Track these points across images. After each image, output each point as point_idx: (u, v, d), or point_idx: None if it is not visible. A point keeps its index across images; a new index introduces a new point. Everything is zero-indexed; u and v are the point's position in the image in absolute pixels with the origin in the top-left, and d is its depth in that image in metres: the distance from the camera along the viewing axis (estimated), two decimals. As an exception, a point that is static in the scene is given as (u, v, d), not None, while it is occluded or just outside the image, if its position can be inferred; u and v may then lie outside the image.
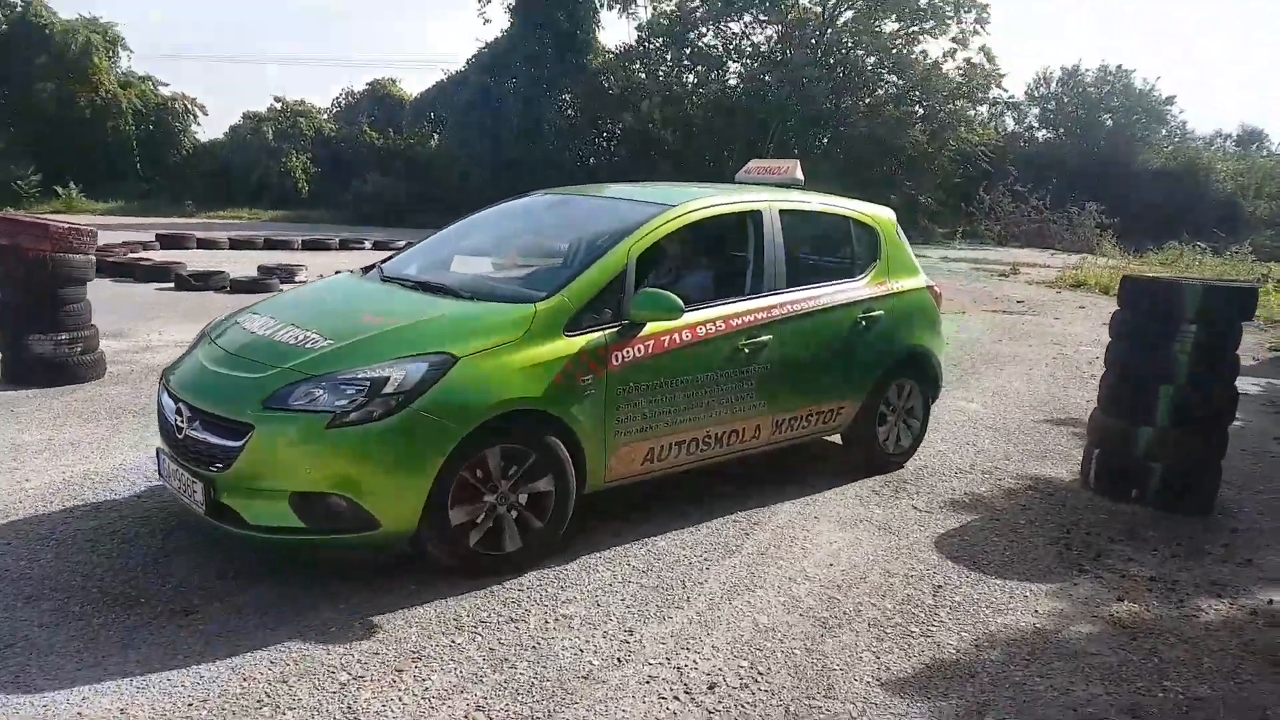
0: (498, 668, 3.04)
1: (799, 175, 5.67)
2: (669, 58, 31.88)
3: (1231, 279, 4.96)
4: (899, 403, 5.29)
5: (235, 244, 17.76)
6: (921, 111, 31.46)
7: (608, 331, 3.88)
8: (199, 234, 17.91)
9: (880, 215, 5.43)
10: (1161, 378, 4.80)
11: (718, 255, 5.08)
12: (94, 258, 6.57)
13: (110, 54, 31.20)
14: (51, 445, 5.07)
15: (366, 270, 4.77)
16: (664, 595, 3.60)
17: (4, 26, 29.21)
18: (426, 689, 2.90)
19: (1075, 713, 2.94)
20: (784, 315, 4.56)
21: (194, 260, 14.44)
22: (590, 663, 3.09)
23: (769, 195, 4.92)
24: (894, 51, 30.75)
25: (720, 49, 31.71)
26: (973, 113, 33.48)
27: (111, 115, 30.33)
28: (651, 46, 31.68)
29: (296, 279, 12.63)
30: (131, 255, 14.00)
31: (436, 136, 32.68)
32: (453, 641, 3.19)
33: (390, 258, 4.97)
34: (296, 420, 3.28)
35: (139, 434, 5.32)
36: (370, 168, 30.26)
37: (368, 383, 3.34)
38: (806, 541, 4.21)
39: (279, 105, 32.50)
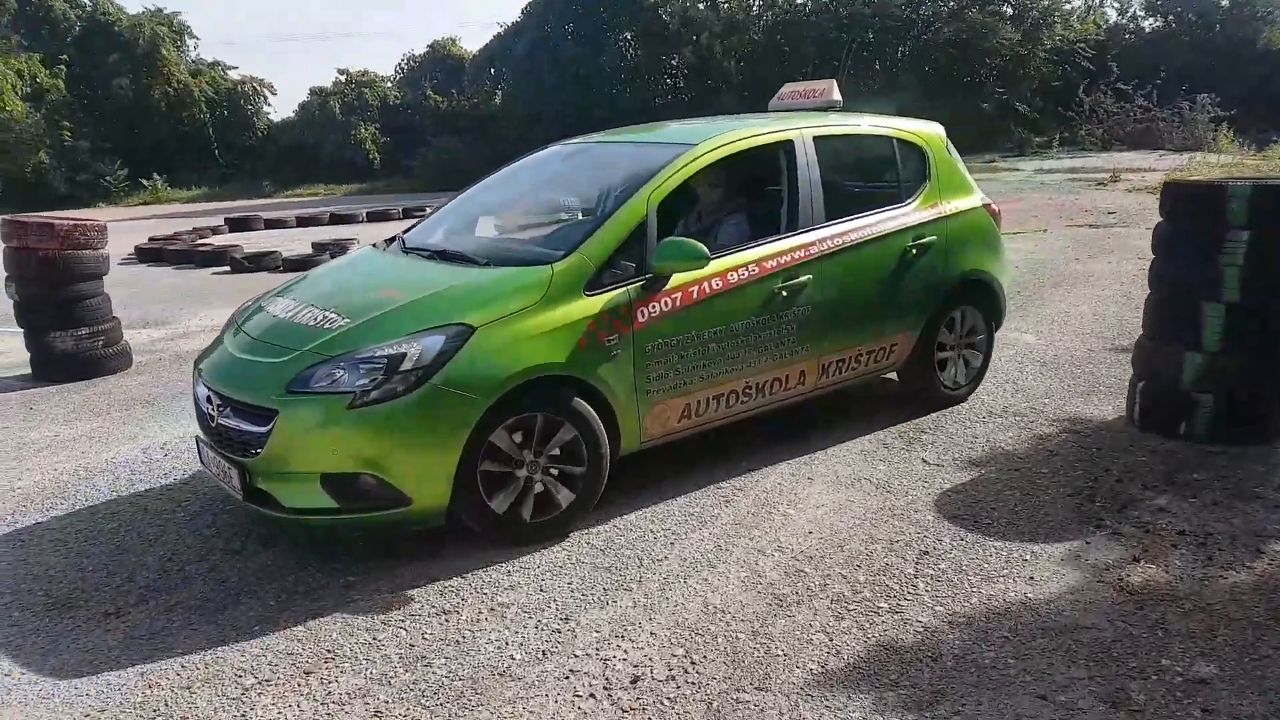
0: (412, 667, 2.84)
1: (836, 96, 5.24)
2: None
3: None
4: (958, 334, 4.96)
5: (302, 221, 18.07)
6: (1011, 10, 29.37)
7: (631, 287, 3.70)
8: (266, 215, 18.26)
9: (927, 131, 5.03)
10: (1208, 295, 4.17)
11: (748, 193, 4.75)
12: (105, 252, 6.62)
13: (178, 44, 32.18)
14: (55, 442, 5.14)
15: (389, 242, 4.64)
16: (615, 577, 3.33)
17: (77, 27, 30.33)
18: (330, 693, 2.73)
19: (1045, 701, 2.53)
20: (823, 252, 4.28)
21: (260, 241, 14.77)
22: (511, 658, 2.86)
23: (802, 122, 4.57)
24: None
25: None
26: (1069, 6, 31.08)
27: (185, 104, 31.33)
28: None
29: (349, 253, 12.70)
30: (201, 242, 14.35)
31: (500, 92, 32.49)
32: (374, 638, 3.00)
33: (412, 227, 4.82)
34: (318, 403, 3.27)
35: (140, 426, 5.37)
36: (436, 131, 30.38)
37: (385, 360, 3.29)
38: (791, 507, 3.85)
39: (344, 78, 32.82)
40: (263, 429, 3.31)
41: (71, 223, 6.41)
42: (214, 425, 3.54)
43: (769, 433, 4.58)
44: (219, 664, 2.90)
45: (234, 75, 33.78)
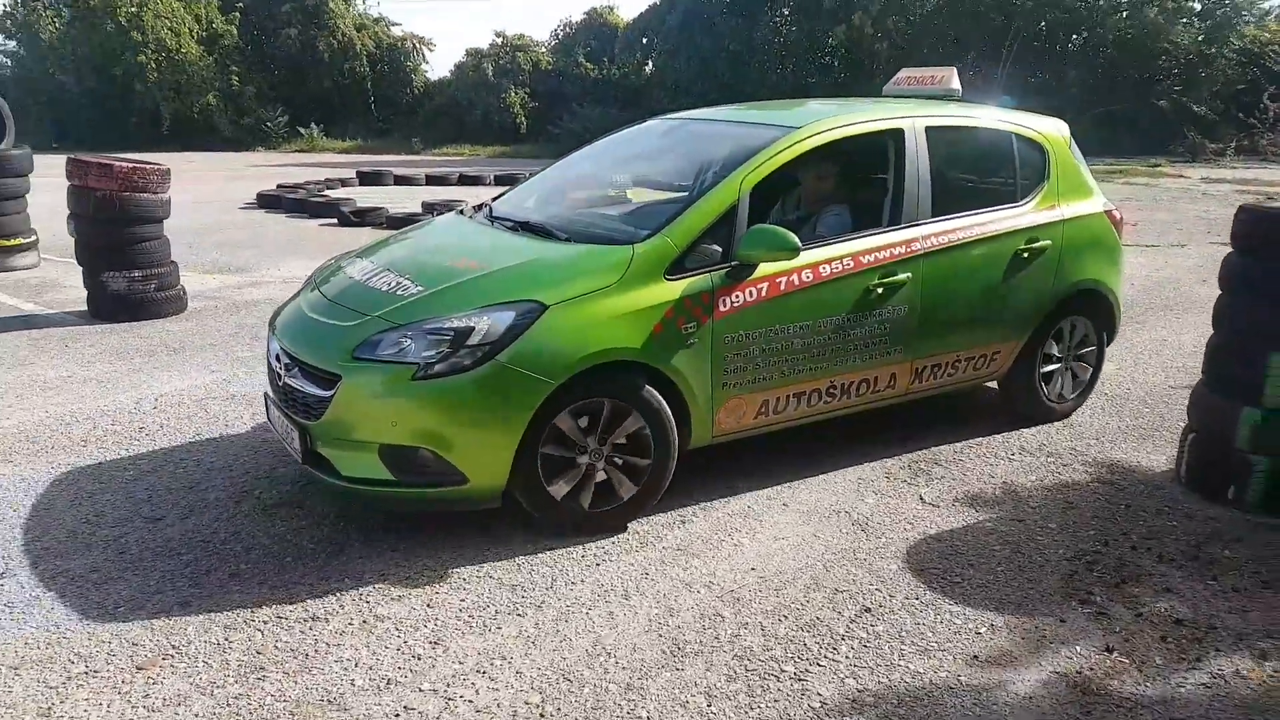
0: (244, 678, 2.64)
1: (955, 84, 4.96)
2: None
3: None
4: (1067, 346, 4.67)
5: (431, 180, 18.52)
6: (1198, 6, 26.79)
7: (715, 274, 3.54)
8: (401, 170, 18.81)
9: (1050, 129, 4.72)
10: (1271, 343, 3.54)
11: (850, 183, 4.49)
12: (166, 196, 6.78)
13: (346, -2, 33.45)
14: (65, 382, 5.29)
15: (478, 208, 4.56)
16: (515, 598, 3.08)
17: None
18: (148, 695, 2.55)
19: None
20: (927, 249, 4.04)
21: (383, 196, 15.21)
22: (351, 683, 2.63)
23: (915, 110, 4.34)
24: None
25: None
26: (1266, 4, 28.06)
27: (348, 57, 32.60)
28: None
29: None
30: (320, 193, 14.88)
31: (650, 63, 32.29)
32: (225, 639, 2.81)
33: (502, 194, 4.77)
34: (383, 371, 3.20)
35: (150, 375, 5.45)
36: (584, 99, 30.50)
37: (452, 332, 3.20)
38: (748, 536, 3.52)
39: (500, 40, 33.38)
40: (326, 393, 3.26)
41: (130, 165, 6.57)
42: (280, 384, 3.52)
43: (772, 444, 4.16)
44: (59, 646, 2.76)
45: (396, 32, 34.93)
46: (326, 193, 15.38)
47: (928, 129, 4.20)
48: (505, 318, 3.23)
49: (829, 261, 3.78)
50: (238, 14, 31.40)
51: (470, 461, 3.21)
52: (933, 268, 4.05)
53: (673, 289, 3.44)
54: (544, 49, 34.35)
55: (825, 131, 3.96)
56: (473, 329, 3.20)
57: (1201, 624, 2.94)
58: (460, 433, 3.19)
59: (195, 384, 5.28)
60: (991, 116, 4.65)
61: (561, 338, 3.25)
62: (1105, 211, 4.74)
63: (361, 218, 12.22)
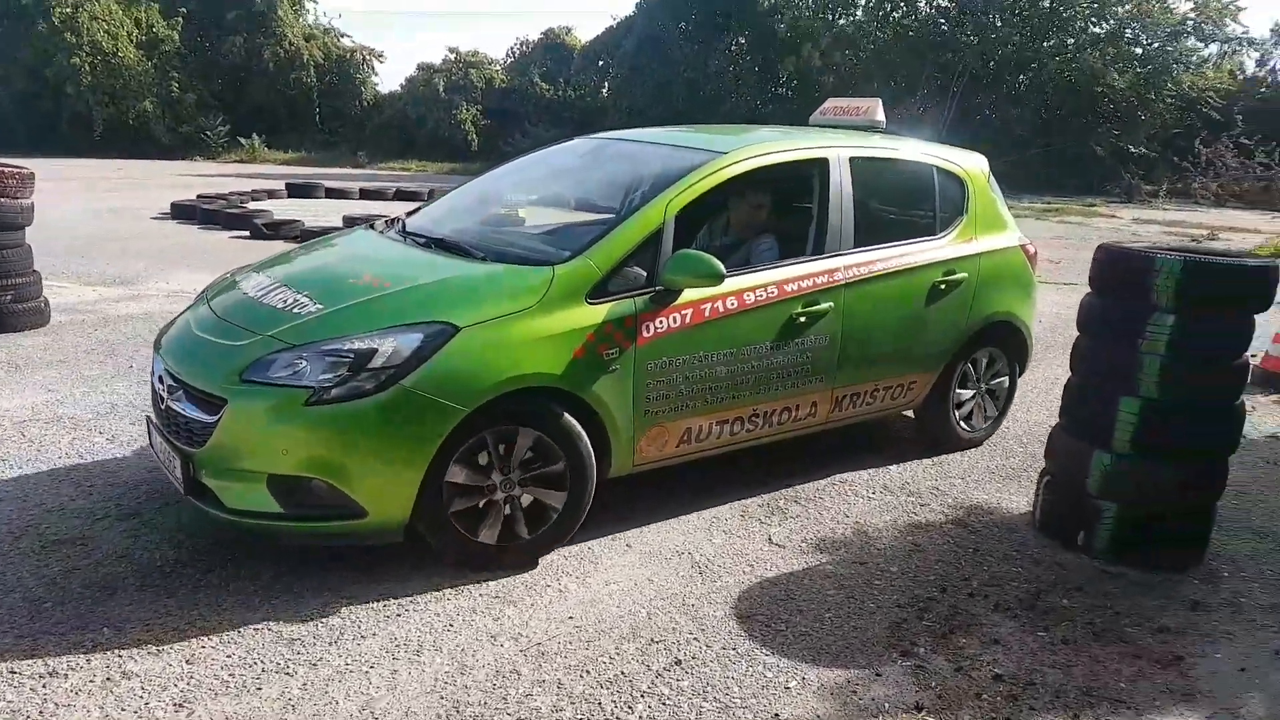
0: None
1: (880, 116, 4.94)
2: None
3: (1246, 252, 3.44)
4: (980, 377, 4.75)
5: (366, 194, 18.16)
6: (1140, 51, 27.47)
7: (638, 299, 3.43)
8: (334, 184, 18.43)
9: (970, 163, 4.79)
10: (1122, 386, 3.44)
11: (774, 211, 4.42)
12: (28, 202, 6.38)
13: (295, 6, 32.92)
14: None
15: (391, 223, 4.37)
16: (290, 655, 2.78)
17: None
18: None
19: None
20: (849, 279, 4.03)
21: (307, 210, 14.81)
22: None
23: (839, 140, 4.35)
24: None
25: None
26: (1205, 52, 28.91)
27: (294, 67, 32.07)
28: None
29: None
30: (236, 204, 14.46)
31: (606, 86, 32.28)
32: None
33: (417, 209, 4.56)
34: (273, 395, 2.99)
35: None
36: (538, 120, 30.34)
37: (352, 354, 3.00)
38: (577, 580, 3.31)
39: (453, 56, 33.14)
40: (211, 418, 3.04)
41: (-11, 170, 6.19)
42: (163, 407, 3.29)
43: (640, 480, 3.91)
44: None
45: (346, 43, 34.48)
46: (248, 204, 14.97)
47: (852, 159, 4.19)
48: (412, 340, 3.04)
49: (753, 289, 3.72)
50: (180, 19, 30.76)
51: (370, 493, 3.01)
52: (854, 298, 4.03)
53: (595, 313, 3.32)
54: (498, 67, 34.18)
55: (752, 158, 3.91)
56: (375, 351, 3.00)
57: (1021, 679, 2.79)
58: (359, 462, 2.98)
59: (22, 404, 4.92)
60: (914, 149, 4.69)
61: (474, 362, 3.08)
62: (1020, 245, 4.80)
63: (275, 230, 11.86)
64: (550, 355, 3.21)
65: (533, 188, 4.91)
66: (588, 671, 2.77)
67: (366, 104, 33.79)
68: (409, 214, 4.44)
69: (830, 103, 5.25)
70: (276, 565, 3.28)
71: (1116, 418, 3.44)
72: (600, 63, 32.52)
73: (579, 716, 2.56)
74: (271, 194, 16.94)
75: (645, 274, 3.45)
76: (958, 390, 4.64)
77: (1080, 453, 3.58)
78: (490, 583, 3.26)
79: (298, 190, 17.55)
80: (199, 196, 14.80)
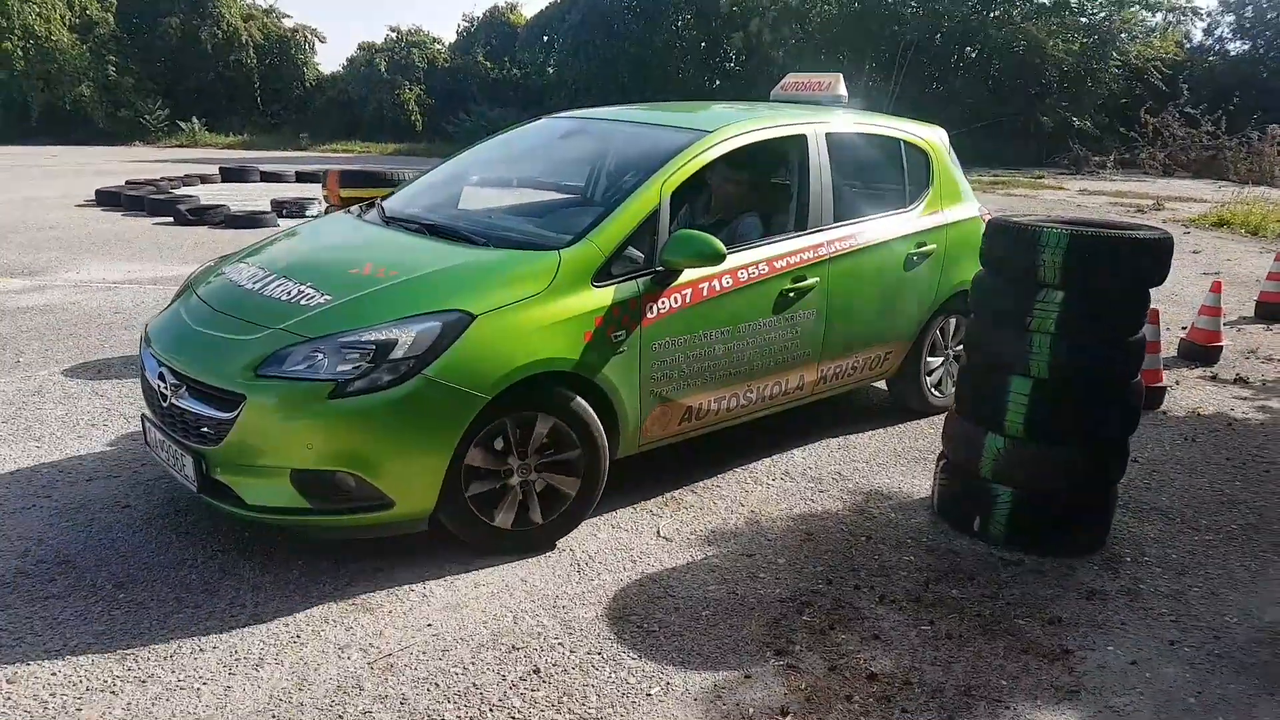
0: None
1: (842, 91, 4.88)
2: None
3: (1140, 224, 3.30)
4: (948, 344, 4.88)
5: (302, 177, 17.66)
6: (1085, 21, 27.55)
7: (640, 280, 3.43)
8: (265, 168, 17.91)
9: (931, 135, 4.89)
10: (1011, 366, 3.31)
11: (757, 188, 4.56)
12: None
13: (233, -14, 32.05)
14: None
15: (367, 208, 4.28)
16: (120, 672, 2.60)
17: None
18: None
19: None
20: (832, 254, 4.09)
21: (237, 194, 14.41)
22: None
23: (813, 116, 4.35)
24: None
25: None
26: (1152, 21, 29.07)
27: (234, 48, 31.21)
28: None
29: (307, 213, 12.22)
30: (163, 190, 13.98)
31: (551, 64, 31.80)
32: None
33: (391, 194, 4.43)
34: (294, 390, 2.93)
35: None
36: (482, 99, 29.82)
37: (373, 346, 2.95)
38: (444, 583, 3.13)
39: (394, 35, 32.45)
40: (226, 415, 2.96)
41: None
42: (166, 405, 3.16)
43: None
44: None
45: (287, 23, 33.62)
46: (178, 189, 14.50)
47: (828, 135, 4.23)
48: (431, 329, 3.00)
49: (745, 267, 3.74)
50: (114, 1, 29.76)
51: (397, 484, 2.98)
52: (837, 272, 4.09)
53: (602, 296, 3.32)
54: (441, 45, 33.50)
55: (737, 136, 3.91)
56: (395, 341, 2.95)
57: (898, 678, 2.66)
58: (386, 454, 2.96)
59: None
60: (881, 123, 4.72)
61: (492, 349, 3.06)
62: (980, 215, 4.86)
63: (199, 216, 11.47)
64: (563, 340, 3.20)
65: (510, 170, 4.85)
66: (436, 684, 2.59)
67: (309, 85, 33.00)
68: (383, 199, 4.35)
69: (790, 78, 5.19)
70: (118, 574, 3.07)
71: (1008, 399, 3.32)
72: (545, 38, 32.00)
73: (417, 733, 2.39)
74: (204, 179, 16.44)
75: (643, 255, 3.44)
76: (927, 358, 4.76)
77: (973, 436, 3.46)
78: (350, 587, 3.07)
79: (231, 174, 17.06)
80: (127, 182, 14.29)
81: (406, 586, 3.09)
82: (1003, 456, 3.36)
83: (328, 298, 3.18)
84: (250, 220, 11.41)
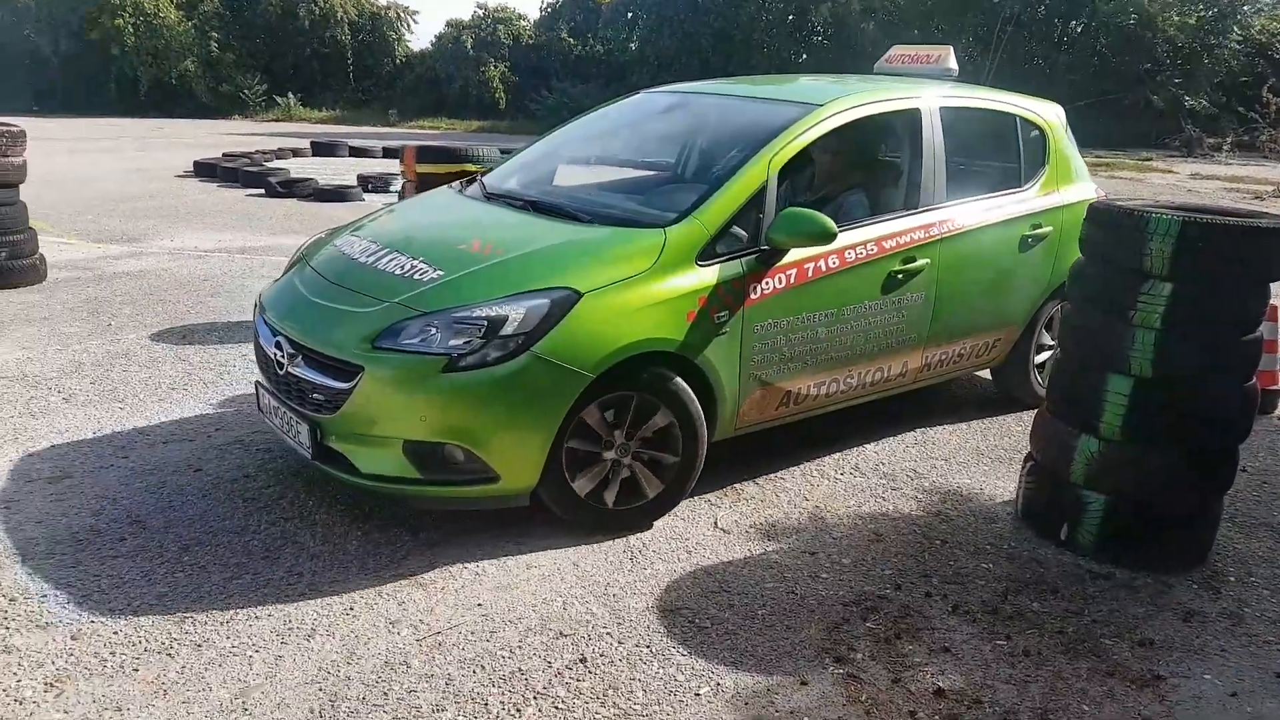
0: None
1: (952, 64, 4.71)
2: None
3: (1259, 211, 3.00)
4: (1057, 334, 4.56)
5: (389, 152, 17.92)
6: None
7: (745, 260, 3.35)
8: (354, 143, 18.25)
9: (1047, 112, 4.66)
10: (1111, 363, 3.06)
11: (867, 164, 4.41)
12: (19, 160, 6.31)
13: (330, -38, 32.68)
14: None
15: (468, 183, 4.31)
16: (178, 634, 2.61)
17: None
18: None
19: None
20: (944, 234, 3.93)
21: (326, 168, 14.72)
22: None
23: (926, 90, 4.20)
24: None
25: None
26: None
27: (329, 25, 31.91)
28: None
29: (391, 189, 12.40)
30: (255, 164, 14.34)
31: (634, 40, 31.61)
32: None
33: (490, 170, 4.46)
34: (409, 363, 2.97)
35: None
36: (565, 75, 29.85)
37: (485, 322, 2.98)
38: (495, 562, 3.08)
39: (481, 12, 32.67)
40: (344, 385, 3.00)
41: (-25, 127, 6.14)
42: (282, 373, 3.22)
43: None
44: None
45: (380, 0, 34.19)
46: (272, 162, 14.89)
47: (941, 109, 4.06)
48: (540, 306, 2.99)
49: (853, 246, 3.61)
50: (219, -22, 30.77)
51: (503, 459, 3.00)
52: (949, 253, 3.93)
53: (706, 276, 3.25)
54: (526, 22, 33.62)
55: (848, 109, 3.79)
56: (506, 318, 2.96)
57: (968, 696, 2.48)
58: (494, 428, 2.98)
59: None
60: (995, 98, 4.52)
61: (597, 327, 3.04)
62: (1097, 197, 4.52)
63: (288, 189, 11.75)
64: (667, 319, 3.15)
65: (608, 146, 4.79)
66: (482, 666, 2.53)
67: (399, 62, 33.54)
68: (484, 175, 4.36)
69: (896, 50, 5.01)
70: (184, 537, 3.11)
71: (1105, 399, 3.07)
72: (629, 14, 31.80)
73: (460, 717, 2.32)
74: (296, 152, 16.82)
75: (748, 234, 3.36)
76: (1038, 346, 4.56)
77: (1065, 437, 3.22)
78: (406, 561, 3.04)
79: (322, 149, 17.46)
80: (223, 155, 14.77)
81: (460, 564, 3.04)
82: (1096, 460, 3.11)
83: (440, 273, 3.18)
84: (337, 194, 11.65)
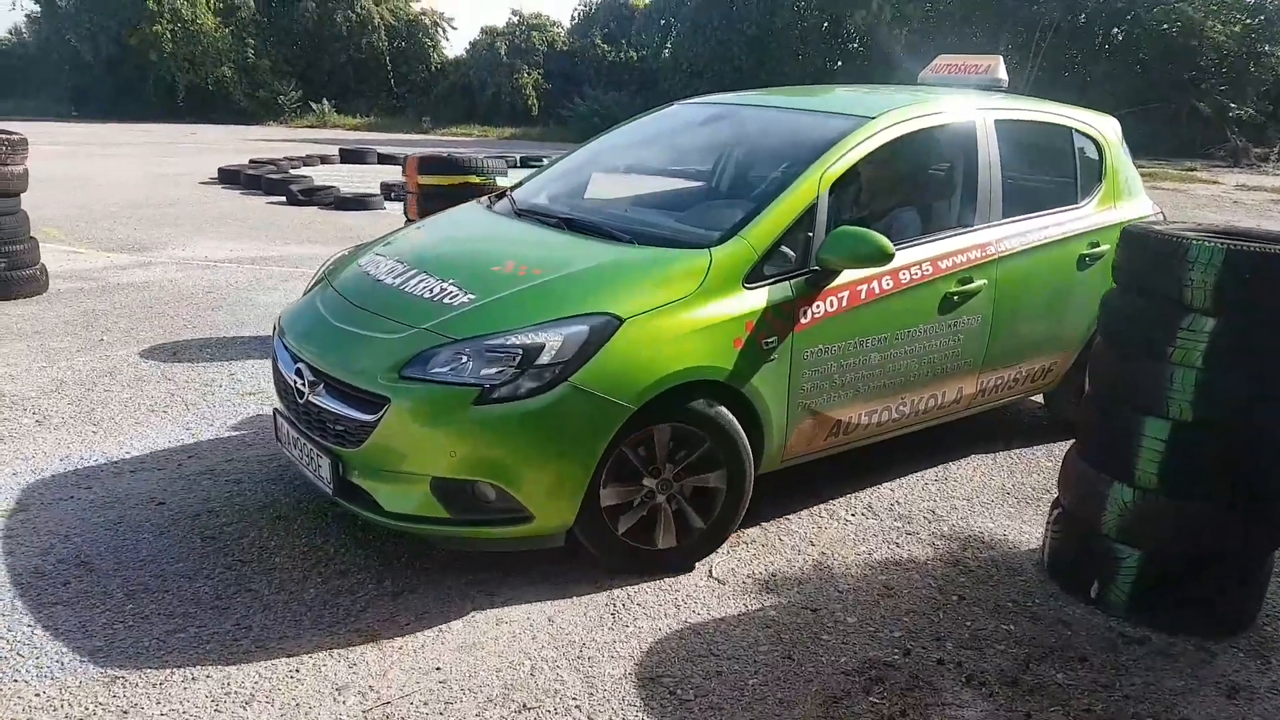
0: None
1: (1002, 74, 4.51)
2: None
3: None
4: None
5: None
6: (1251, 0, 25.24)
7: (795, 281, 3.15)
8: (383, 149, 18.23)
9: (1104, 125, 4.47)
10: (1146, 405, 2.74)
11: (917, 179, 4.21)
12: (20, 169, 6.20)
13: (368, -31, 32.95)
14: None
15: (496, 199, 4.10)
16: (106, 695, 2.39)
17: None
18: None
19: None
20: (1001, 253, 3.74)
21: (348, 175, 14.66)
22: None
23: (979, 101, 4.02)
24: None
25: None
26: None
27: (366, 31, 32.14)
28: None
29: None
30: (278, 170, 14.31)
31: (668, 47, 31.43)
32: None
33: (520, 185, 4.23)
34: (438, 394, 2.77)
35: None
36: (598, 82, 29.75)
37: (520, 350, 2.78)
38: (463, 618, 2.82)
39: (515, 19, 32.72)
40: (369, 416, 2.81)
41: (-26, 135, 6.03)
42: (302, 402, 3.03)
43: None
44: None
45: (416, 7, 34.40)
46: (299, 169, 14.90)
47: (996, 122, 3.88)
48: (579, 333, 2.79)
49: (908, 267, 3.40)
50: (256, -15, 31.11)
51: (538, 497, 2.79)
52: (1006, 273, 3.74)
53: (754, 299, 3.04)
54: (560, 29, 33.61)
55: (902, 122, 3.59)
56: (543, 346, 2.76)
57: (975, 791, 2.17)
58: (528, 465, 2.78)
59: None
60: (1050, 110, 4.36)
61: (639, 355, 2.83)
62: (1155, 214, 4.46)
63: (310, 197, 11.68)
64: (712, 346, 2.95)
65: (642, 158, 4.55)
66: (442, 736, 2.27)
67: (433, 69, 33.70)
68: (513, 189, 4.15)
69: (942, 59, 4.83)
70: (131, 582, 2.89)
71: (1140, 444, 2.74)
72: (663, 22, 31.62)
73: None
74: (324, 159, 16.84)
75: (796, 255, 3.16)
76: None
77: (1096, 484, 2.90)
78: (364, 614, 2.79)
79: (350, 156, 17.46)
80: (250, 161, 14.76)
81: (423, 618, 2.78)
82: (1130, 511, 2.79)
83: (471, 297, 2.97)
84: (358, 202, 11.54)
